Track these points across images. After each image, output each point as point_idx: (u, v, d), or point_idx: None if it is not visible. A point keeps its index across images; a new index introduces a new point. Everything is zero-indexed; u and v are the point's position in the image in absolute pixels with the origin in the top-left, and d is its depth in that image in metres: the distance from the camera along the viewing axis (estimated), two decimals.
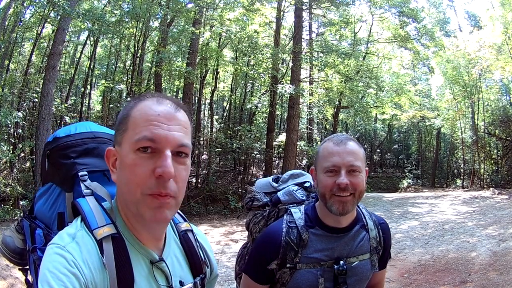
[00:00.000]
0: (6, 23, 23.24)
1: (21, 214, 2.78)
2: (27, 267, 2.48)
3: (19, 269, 2.59)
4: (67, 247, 1.63)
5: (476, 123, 36.19)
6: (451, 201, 24.66)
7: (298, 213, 2.90)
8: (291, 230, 2.81)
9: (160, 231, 1.95)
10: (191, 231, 2.22)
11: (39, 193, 2.49)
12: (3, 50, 23.30)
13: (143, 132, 1.71)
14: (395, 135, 59.55)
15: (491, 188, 28.74)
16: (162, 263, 1.89)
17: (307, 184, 3.25)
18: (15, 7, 22.76)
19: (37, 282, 2.03)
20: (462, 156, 40.96)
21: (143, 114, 1.76)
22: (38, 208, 2.41)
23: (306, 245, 2.77)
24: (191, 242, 2.16)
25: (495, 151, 36.88)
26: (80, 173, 2.18)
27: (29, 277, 2.38)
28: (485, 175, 35.72)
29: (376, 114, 47.86)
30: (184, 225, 2.21)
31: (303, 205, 3.02)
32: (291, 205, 3.05)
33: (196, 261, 2.12)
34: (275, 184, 3.38)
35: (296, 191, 3.15)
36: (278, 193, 3.20)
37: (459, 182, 40.42)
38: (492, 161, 36.02)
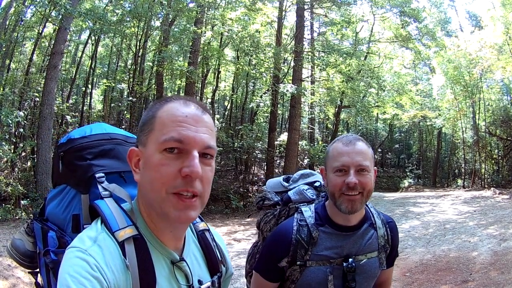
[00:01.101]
0: (7, 23, 23.23)
1: (28, 215, 2.77)
2: (37, 270, 2.42)
3: (29, 272, 2.54)
4: (89, 251, 1.63)
5: (477, 123, 36.07)
6: (452, 200, 24.59)
7: (308, 212, 2.95)
8: (302, 228, 2.86)
9: (182, 231, 1.97)
10: (208, 230, 2.24)
11: (51, 195, 2.45)
12: (4, 49, 23.31)
13: (170, 133, 1.72)
14: (396, 134, 59.46)
15: (492, 188, 28.55)
16: (182, 263, 1.90)
17: (317, 184, 3.29)
18: (16, 7, 22.74)
19: (47, 285, 2.14)
20: (463, 156, 40.96)
21: (171, 115, 1.77)
22: (50, 210, 2.37)
23: (316, 243, 2.82)
24: (209, 242, 2.19)
25: (496, 151, 36.80)
26: (97, 175, 2.17)
27: (39, 280, 2.36)
28: (486, 175, 35.56)
29: (377, 113, 47.80)
30: (202, 225, 2.23)
31: (314, 204, 3.06)
32: (301, 204, 3.08)
33: (214, 260, 2.14)
34: (285, 184, 3.42)
35: (306, 190, 3.20)
36: (289, 192, 3.24)
37: (460, 182, 40.38)
38: (493, 161, 35.89)
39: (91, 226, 1.81)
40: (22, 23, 24.63)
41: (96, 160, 2.30)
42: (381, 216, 3.09)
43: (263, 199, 3.39)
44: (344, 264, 2.79)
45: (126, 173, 2.25)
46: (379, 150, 57.06)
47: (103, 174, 2.17)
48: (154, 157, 1.73)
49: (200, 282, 1.97)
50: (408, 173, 50.72)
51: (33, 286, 2.46)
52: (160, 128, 1.75)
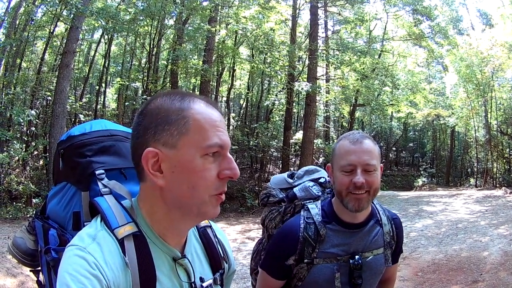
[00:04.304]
0: (17, 22, 23.32)
1: (33, 215, 2.73)
2: (39, 268, 2.41)
3: (30, 271, 2.51)
4: (88, 249, 1.60)
5: (489, 121, 35.92)
6: (465, 200, 24.44)
7: (315, 209, 2.97)
8: (309, 225, 2.88)
9: (190, 228, 1.99)
10: (210, 227, 2.21)
11: (51, 192, 2.43)
12: (14, 48, 23.42)
13: (213, 139, 1.72)
14: (411, 133, 59.19)
15: (503, 187, 28.50)
16: (184, 260, 1.88)
17: (322, 180, 3.29)
18: (26, 6, 22.81)
19: (49, 283, 2.14)
20: (475, 154, 40.88)
21: (207, 119, 1.76)
22: (51, 207, 2.35)
23: (323, 241, 2.85)
24: (210, 238, 2.16)
25: (508, 150, 36.68)
26: (97, 172, 2.13)
27: (41, 278, 2.34)
28: (497, 174, 35.47)
29: (391, 112, 47.19)
30: (204, 221, 2.18)
31: (319, 201, 3.09)
32: (307, 201, 3.10)
33: (216, 257, 2.12)
34: (290, 180, 3.42)
35: (312, 187, 3.20)
36: (294, 189, 3.24)
37: (472, 181, 40.25)
38: (504, 160, 35.79)
39: (90, 224, 1.80)
40: (32, 22, 24.62)
41: (96, 156, 2.29)
42: (387, 213, 3.11)
43: (267, 195, 3.39)
44: (351, 261, 2.82)
45: (127, 169, 2.25)
46: (394, 148, 57.05)
47: (103, 171, 2.15)
48: (196, 162, 1.71)
49: (201, 279, 1.95)
50: (422, 172, 50.46)
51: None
52: (200, 132, 1.73)
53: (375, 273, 2.95)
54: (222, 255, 2.17)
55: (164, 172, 1.72)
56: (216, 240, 2.19)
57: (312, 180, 3.32)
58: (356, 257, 2.83)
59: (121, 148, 2.37)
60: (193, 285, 1.90)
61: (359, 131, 3.10)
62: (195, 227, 2.14)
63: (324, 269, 2.83)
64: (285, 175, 3.55)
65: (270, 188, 3.45)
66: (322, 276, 2.83)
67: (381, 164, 2.88)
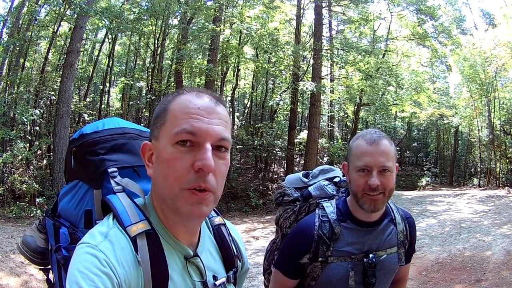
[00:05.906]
0: (20, 22, 23.26)
1: (43, 213, 2.70)
2: (49, 266, 2.40)
3: (40, 269, 2.51)
4: (99, 246, 1.58)
5: (492, 121, 35.81)
6: (468, 199, 24.49)
7: (330, 207, 2.99)
8: (324, 224, 2.90)
9: (196, 226, 1.92)
10: (224, 225, 2.18)
11: (63, 191, 2.42)
12: (18, 48, 23.38)
13: (182, 125, 1.67)
14: (415, 133, 58.97)
15: (506, 187, 28.53)
16: (196, 259, 1.86)
17: (336, 179, 3.32)
18: (29, 6, 22.74)
19: (59, 282, 2.12)
20: (479, 154, 40.63)
21: (183, 107, 1.73)
22: (62, 206, 2.34)
23: (338, 239, 2.87)
24: (224, 236, 2.14)
25: (511, 149, 36.43)
26: (109, 170, 2.12)
27: (51, 277, 2.37)
28: (500, 174, 35.27)
29: (395, 111, 47.16)
30: (218, 219, 2.18)
31: (334, 200, 3.10)
32: (322, 200, 3.11)
33: (229, 255, 2.10)
34: (305, 179, 3.43)
35: (326, 186, 3.23)
36: (309, 188, 3.26)
37: (476, 180, 40.22)
38: (507, 160, 35.56)
39: (102, 222, 1.79)
40: (36, 22, 24.62)
41: (109, 154, 2.29)
42: (400, 212, 3.17)
43: (282, 195, 3.38)
44: (365, 259, 2.84)
45: (140, 167, 2.23)
46: (398, 148, 56.37)
47: (115, 169, 2.14)
48: (167, 150, 1.69)
49: (215, 277, 1.94)
50: (425, 172, 50.38)
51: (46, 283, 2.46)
52: (172, 121, 1.72)
53: (388, 272, 2.98)
54: (236, 253, 2.17)
55: (153, 163, 1.78)
56: (230, 238, 2.18)
57: (327, 179, 3.34)
58: (370, 255, 2.85)
59: (134, 146, 2.37)
60: (206, 284, 1.89)
61: (376, 130, 2.97)
62: (209, 225, 2.14)
63: (338, 268, 2.85)
64: (300, 174, 3.56)
65: (285, 187, 3.44)
66: (336, 274, 2.85)
67: (397, 164, 2.88)
